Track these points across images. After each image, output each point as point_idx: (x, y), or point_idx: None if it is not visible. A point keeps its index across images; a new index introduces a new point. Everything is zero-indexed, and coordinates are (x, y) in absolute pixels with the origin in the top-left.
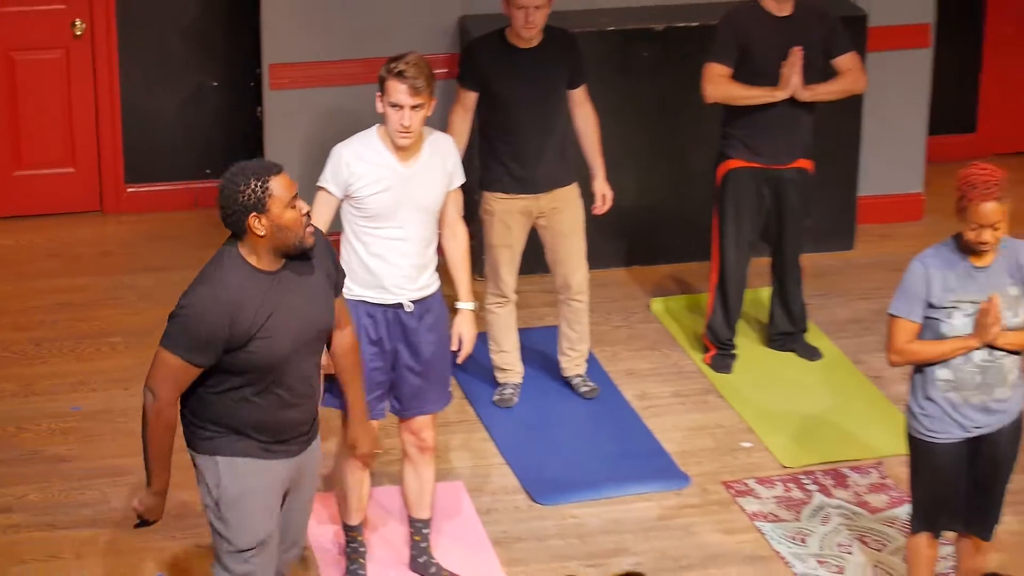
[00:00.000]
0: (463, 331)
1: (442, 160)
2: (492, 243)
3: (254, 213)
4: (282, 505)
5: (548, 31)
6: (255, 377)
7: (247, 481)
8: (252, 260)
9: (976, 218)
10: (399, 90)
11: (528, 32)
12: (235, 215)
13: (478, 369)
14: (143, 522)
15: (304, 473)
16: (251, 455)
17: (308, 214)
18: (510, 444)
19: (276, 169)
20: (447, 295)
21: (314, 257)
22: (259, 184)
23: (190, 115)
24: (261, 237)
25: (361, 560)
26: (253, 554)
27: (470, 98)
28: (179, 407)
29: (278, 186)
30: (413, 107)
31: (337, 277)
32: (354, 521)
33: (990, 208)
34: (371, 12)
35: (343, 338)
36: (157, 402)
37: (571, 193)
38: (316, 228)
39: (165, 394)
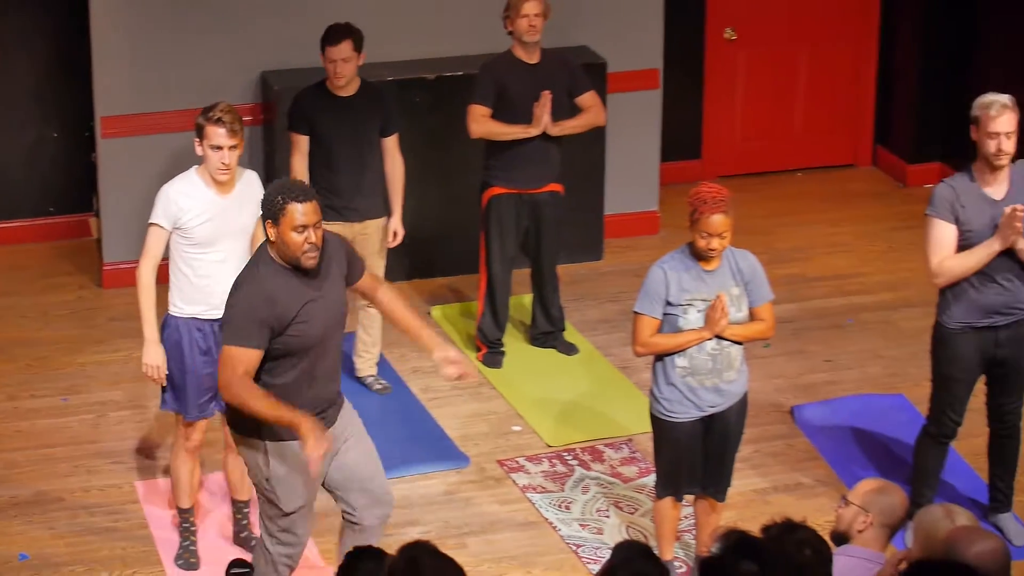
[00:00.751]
0: None
1: (252, 192)
2: None
3: (269, 221)
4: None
5: (365, 84)
6: (303, 358)
7: (291, 461)
8: (279, 261)
9: (706, 228)
10: (219, 134)
11: (338, 81)
12: (262, 216)
13: None
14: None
15: (347, 433)
16: (296, 438)
17: (316, 245)
18: None
19: (302, 196)
20: None
21: (328, 255)
22: (280, 200)
23: (34, 161)
24: (273, 242)
25: (193, 538)
26: (295, 515)
27: (303, 141)
28: (251, 381)
29: (293, 209)
30: (231, 147)
31: (352, 265)
32: (186, 504)
33: (718, 220)
34: (186, 69)
35: (385, 293)
36: (231, 389)
37: (380, 223)
38: (330, 234)
39: (233, 379)
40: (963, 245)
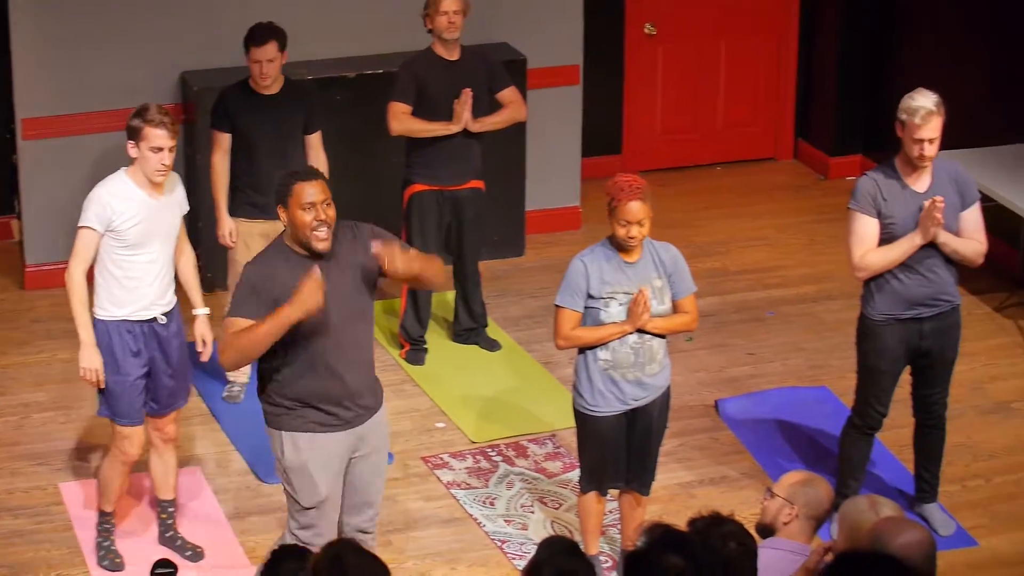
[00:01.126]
0: (204, 333)
1: (176, 193)
2: (235, 260)
3: (280, 205)
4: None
5: (288, 82)
6: (299, 345)
7: (306, 454)
8: (292, 245)
9: (625, 216)
10: (160, 135)
11: (264, 81)
12: (275, 203)
13: (210, 370)
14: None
15: (367, 443)
16: (310, 430)
17: (325, 222)
18: (239, 433)
19: (307, 176)
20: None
21: (353, 251)
22: (287, 182)
23: None
24: (286, 227)
25: (112, 537)
26: (315, 510)
27: (225, 139)
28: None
29: (299, 188)
30: (170, 148)
31: (371, 252)
32: (109, 508)
33: (636, 207)
34: (107, 70)
35: (402, 253)
36: (227, 350)
37: None
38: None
39: (229, 338)
40: (886, 237)
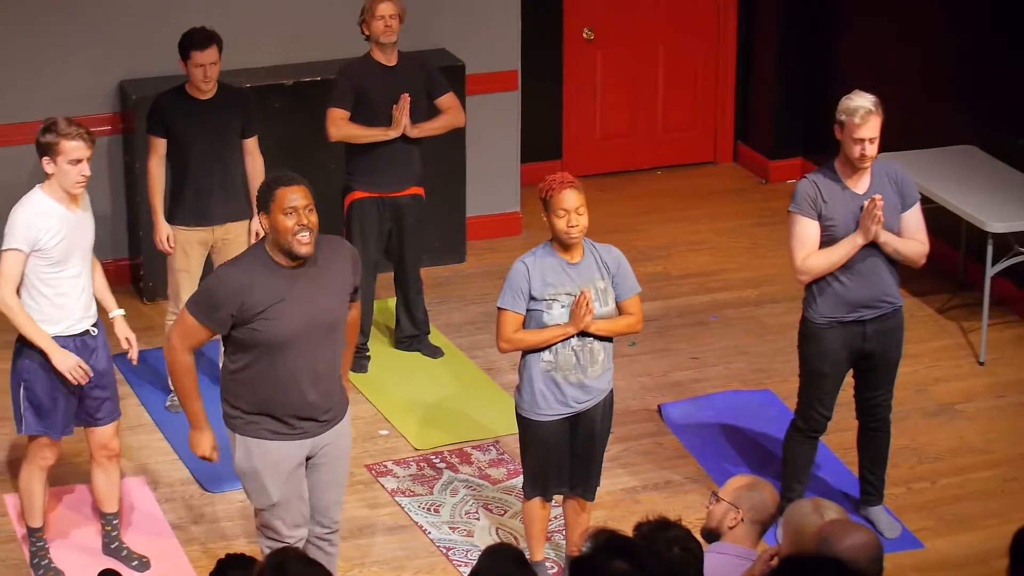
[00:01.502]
0: (126, 333)
1: (89, 206)
2: (174, 267)
3: (262, 212)
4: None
5: (223, 87)
6: (264, 354)
7: (256, 460)
8: (272, 254)
9: (561, 204)
10: (77, 147)
11: (206, 86)
12: (258, 210)
13: (153, 379)
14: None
15: (324, 453)
16: (262, 437)
17: (307, 227)
18: (182, 443)
19: (289, 181)
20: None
21: (336, 263)
22: (269, 187)
23: None
24: (267, 234)
25: (47, 556)
26: (269, 511)
27: (161, 145)
28: (191, 359)
29: (281, 193)
30: (88, 159)
31: (354, 283)
32: (37, 523)
33: (571, 194)
34: (44, 79)
35: (353, 318)
36: (171, 351)
37: (243, 227)
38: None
39: (177, 343)
40: (826, 239)
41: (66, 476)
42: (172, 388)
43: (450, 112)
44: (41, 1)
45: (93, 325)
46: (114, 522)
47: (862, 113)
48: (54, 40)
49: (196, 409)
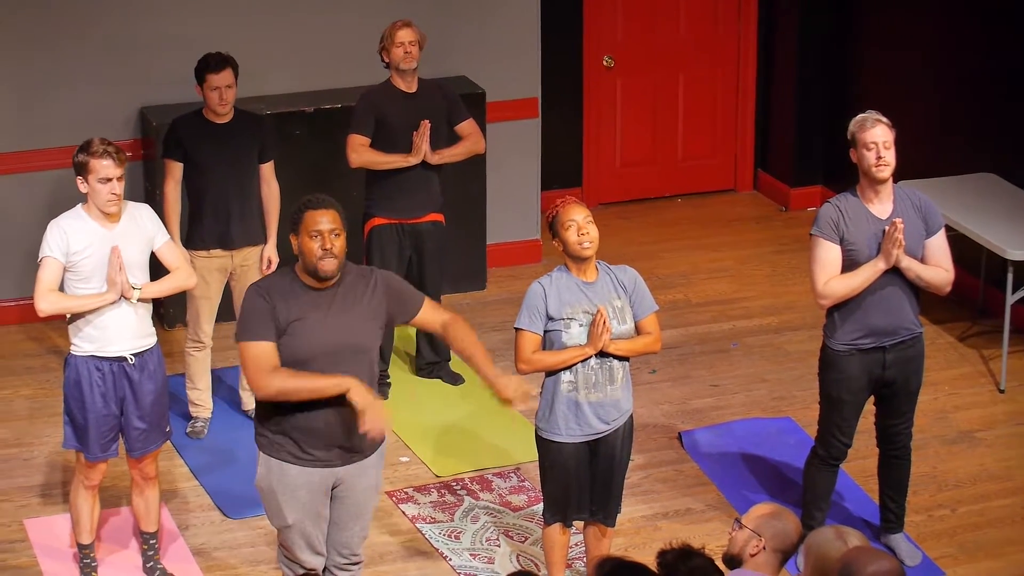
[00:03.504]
0: (271, 255)
1: (139, 224)
2: (194, 295)
3: (292, 234)
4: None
5: (240, 112)
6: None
7: (275, 481)
8: (301, 275)
9: (569, 216)
10: (106, 166)
11: (223, 108)
12: (290, 232)
13: (173, 406)
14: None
15: (348, 488)
16: (284, 460)
17: (331, 251)
18: (203, 469)
19: (317, 204)
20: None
21: (368, 289)
22: (299, 210)
23: None
24: (296, 255)
25: (94, 574)
26: (285, 532)
27: (177, 169)
28: (277, 374)
29: (308, 216)
30: (119, 178)
31: (404, 302)
32: (86, 540)
33: (577, 208)
34: (66, 106)
35: (451, 327)
36: (260, 388)
37: (259, 251)
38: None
39: (256, 377)
40: (848, 263)
41: (121, 497)
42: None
43: (470, 138)
44: (62, 27)
45: (136, 355)
46: (151, 542)
47: (870, 120)
48: (75, 66)
49: (324, 382)
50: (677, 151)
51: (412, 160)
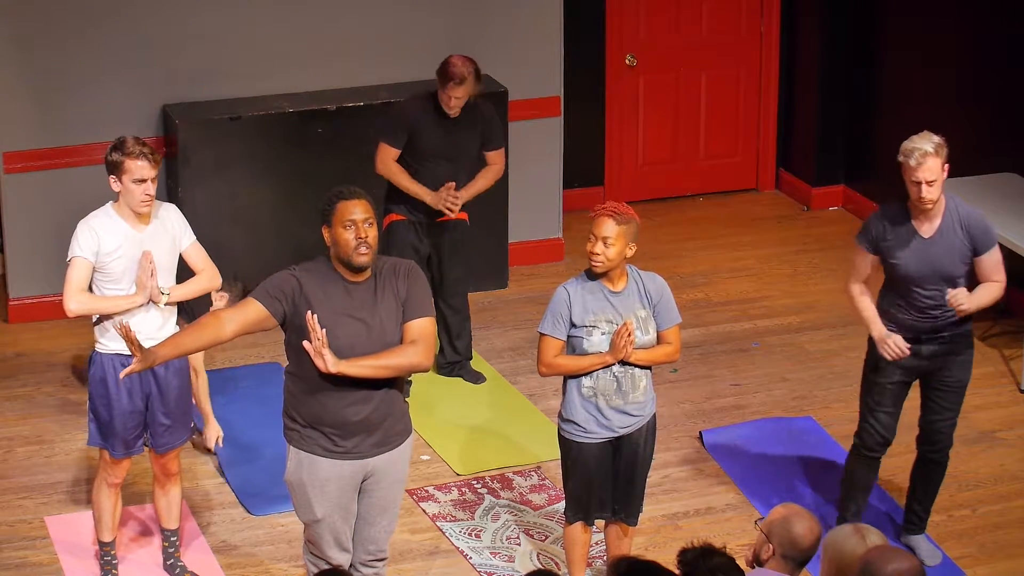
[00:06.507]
0: None
1: (166, 226)
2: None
3: (324, 225)
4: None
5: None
6: (310, 366)
7: (305, 474)
8: (336, 265)
9: (593, 229)
10: (142, 167)
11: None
12: (321, 223)
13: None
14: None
15: (377, 479)
16: (314, 453)
17: (366, 241)
18: (228, 466)
19: (348, 194)
20: None
21: (399, 282)
22: (330, 201)
23: None
24: (331, 247)
25: (114, 571)
26: (313, 526)
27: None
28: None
29: (341, 206)
30: (152, 179)
31: (407, 302)
32: (108, 538)
33: (605, 223)
34: (89, 103)
35: (409, 344)
36: (217, 313)
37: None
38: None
39: (230, 313)
40: (895, 277)
41: (144, 495)
42: None
43: (494, 168)
44: (84, 25)
45: None
46: (172, 539)
47: (918, 155)
48: (97, 64)
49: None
50: (699, 150)
51: (431, 201)
